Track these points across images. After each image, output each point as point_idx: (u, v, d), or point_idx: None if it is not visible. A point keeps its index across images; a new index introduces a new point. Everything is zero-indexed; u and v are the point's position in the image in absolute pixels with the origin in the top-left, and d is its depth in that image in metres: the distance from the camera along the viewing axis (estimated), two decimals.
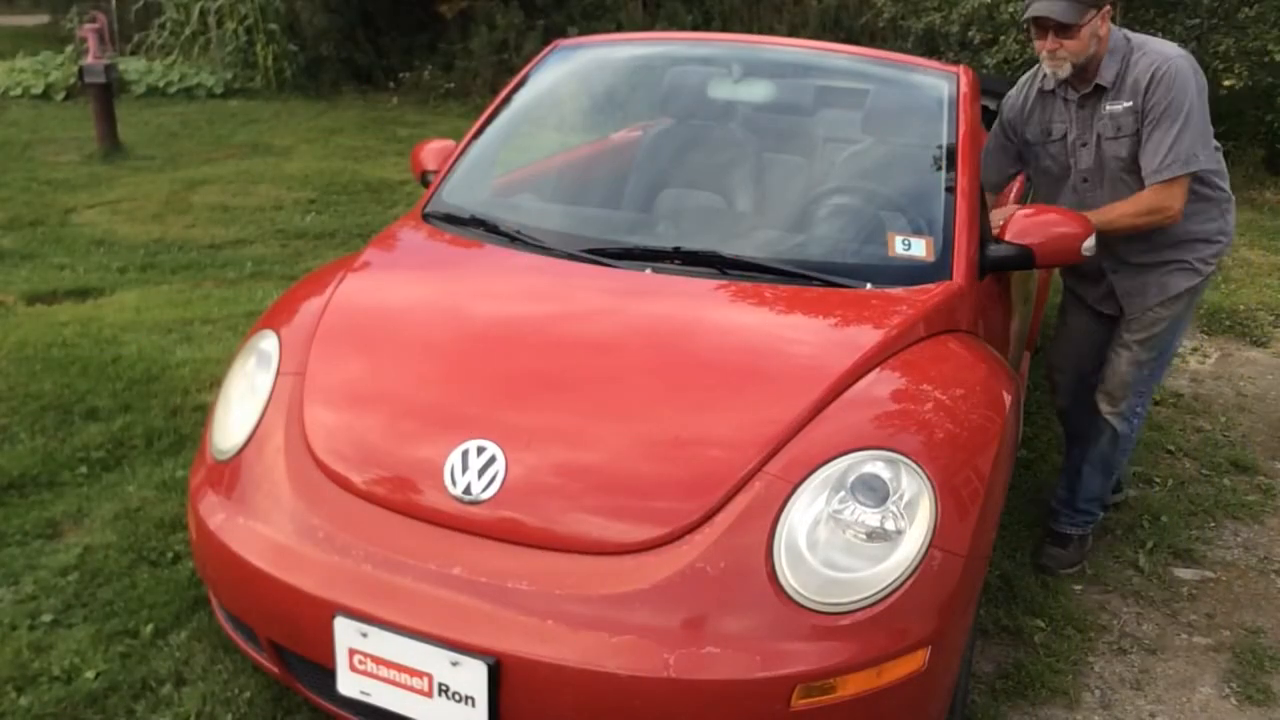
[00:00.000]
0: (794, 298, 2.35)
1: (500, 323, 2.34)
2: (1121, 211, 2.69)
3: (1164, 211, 2.68)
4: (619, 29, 10.76)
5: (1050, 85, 2.82)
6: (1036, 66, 2.89)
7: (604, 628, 1.76)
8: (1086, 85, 2.73)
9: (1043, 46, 2.69)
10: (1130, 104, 2.67)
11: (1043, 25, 2.65)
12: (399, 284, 2.55)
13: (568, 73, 3.34)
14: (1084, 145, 2.81)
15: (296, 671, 2.05)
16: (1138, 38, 2.74)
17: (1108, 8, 2.67)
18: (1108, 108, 2.71)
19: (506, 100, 3.15)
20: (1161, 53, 2.66)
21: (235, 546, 2.00)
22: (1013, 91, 2.99)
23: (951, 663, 1.97)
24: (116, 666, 2.35)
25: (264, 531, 2.00)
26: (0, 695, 2.25)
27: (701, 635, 1.76)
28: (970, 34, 7.89)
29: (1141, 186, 2.70)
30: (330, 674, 1.90)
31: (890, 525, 1.86)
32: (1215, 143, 2.77)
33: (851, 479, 1.90)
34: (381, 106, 10.99)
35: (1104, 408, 3.01)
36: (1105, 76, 2.69)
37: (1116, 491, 3.38)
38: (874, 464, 1.92)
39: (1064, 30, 2.62)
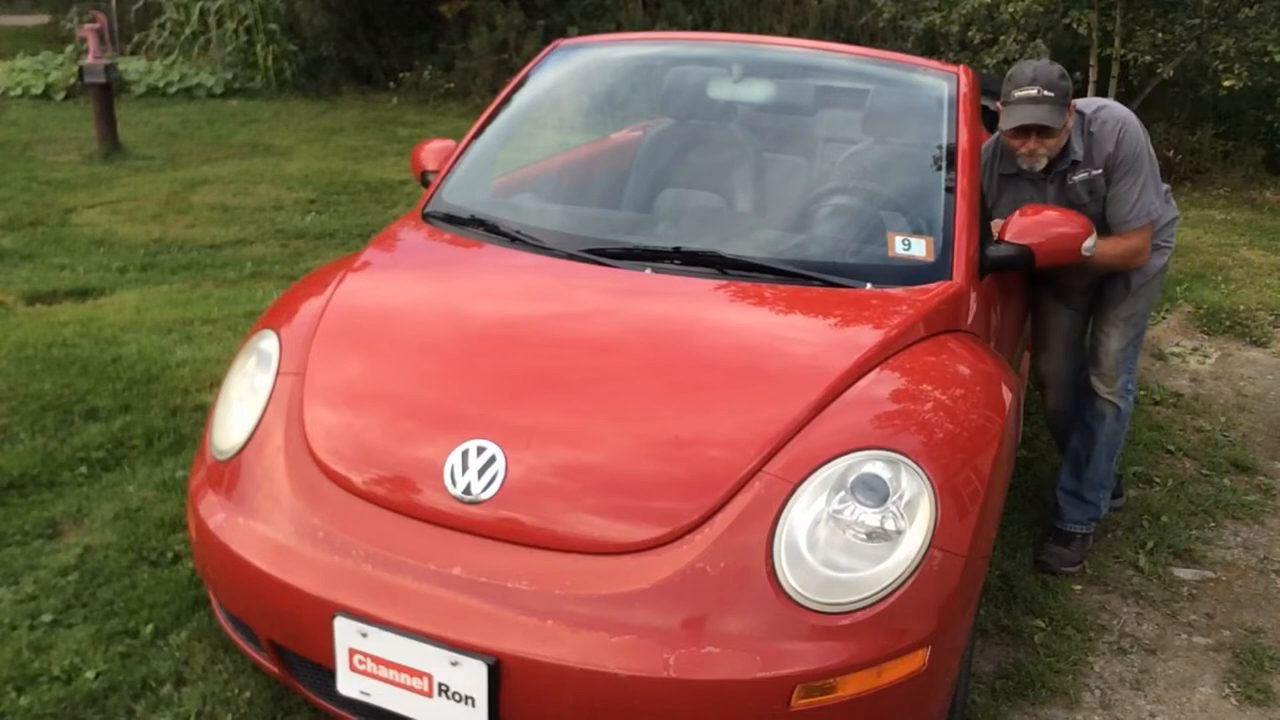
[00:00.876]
0: (794, 298, 2.35)
1: (500, 323, 2.34)
2: (1101, 250, 2.76)
3: (1143, 253, 2.92)
4: (619, 29, 10.76)
5: (1011, 170, 2.91)
6: (988, 154, 2.97)
7: (604, 628, 1.76)
8: (1059, 163, 2.84)
9: (1023, 147, 2.78)
10: (1100, 171, 2.83)
11: (1025, 130, 2.74)
12: (399, 284, 2.55)
13: (568, 73, 3.34)
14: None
15: (296, 671, 2.05)
16: (1086, 105, 2.88)
17: (1074, 103, 2.79)
18: (1076, 177, 2.85)
19: (506, 100, 3.15)
20: (1115, 115, 2.84)
21: (235, 546, 2.00)
22: None
23: (951, 663, 1.97)
24: (116, 666, 2.35)
25: (264, 531, 2.00)
26: (0, 695, 2.25)
27: (701, 635, 1.76)
28: (970, 34, 7.89)
29: None
30: (330, 674, 1.90)
31: (890, 525, 1.86)
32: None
33: (851, 479, 1.90)
34: (381, 106, 11.00)
35: (1102, 389, 3.09)
36: (1076, 151, 2.83)
37: (1117, 496, 3.39)
38: (874, 464, 1.92)
39: (1046, 132, 2.74)
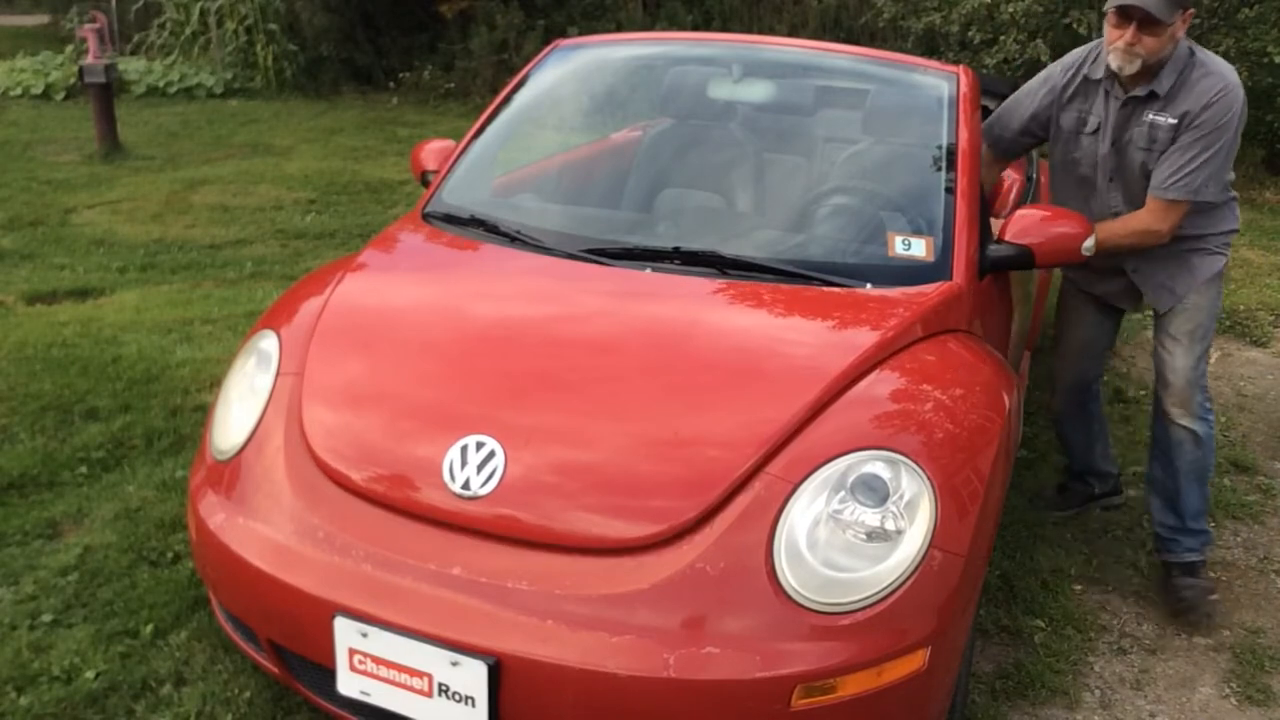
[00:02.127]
0: (794, 298, 2.35)
1: (500, 322, 2.33)
2: (1111, 230, 2.67)
3: (1156, 235, 2.68)
4: (619, 29, 10.75)
5: (1098, 75, 2.68)
6: (1084, 54, 2.76)
7: (604, 627, 1.76)
8: (1140, 87, 2.61)
9: (1119, 38, 2.53)
10: (1176, 121, 2.58)
11: (1128, 15, 2.49)
12: (398, 284, 2.55)
13: (568, 73, 3.34)
14: (1114, 145, 2.72)
15: (296, 671, 2.05)
16: (1202, 53, 2.64)
17: (1191, 11, 2.56)
18: (1149, 116, 2.62)
19: (506, 100, 3.15)
20: (1224, 76, 2.58)
21: (235, 546, 2.00)
22: (1053, 71, 2.81)
23: (951, 662, 1.97)
24: (116, 666, 2.35)
25: (264, 531, 2.00)
26: (0, 695, 2.25)
27: (701, 635, 1.76)
28: (970, 34, 7.89)
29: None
30: (330, 674, 1.90)
31: (890, 525, 1.86)
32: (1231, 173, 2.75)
33: (851, 479, 1.90)
34: (381, 106, 10.99)
35: (1176, 415, 2.83)
36: (1162, 85, 2.59)
37: (1116, 494, 3.38)
38: (874, 464, 1.92)
39: (1150, 25, 2.48)
